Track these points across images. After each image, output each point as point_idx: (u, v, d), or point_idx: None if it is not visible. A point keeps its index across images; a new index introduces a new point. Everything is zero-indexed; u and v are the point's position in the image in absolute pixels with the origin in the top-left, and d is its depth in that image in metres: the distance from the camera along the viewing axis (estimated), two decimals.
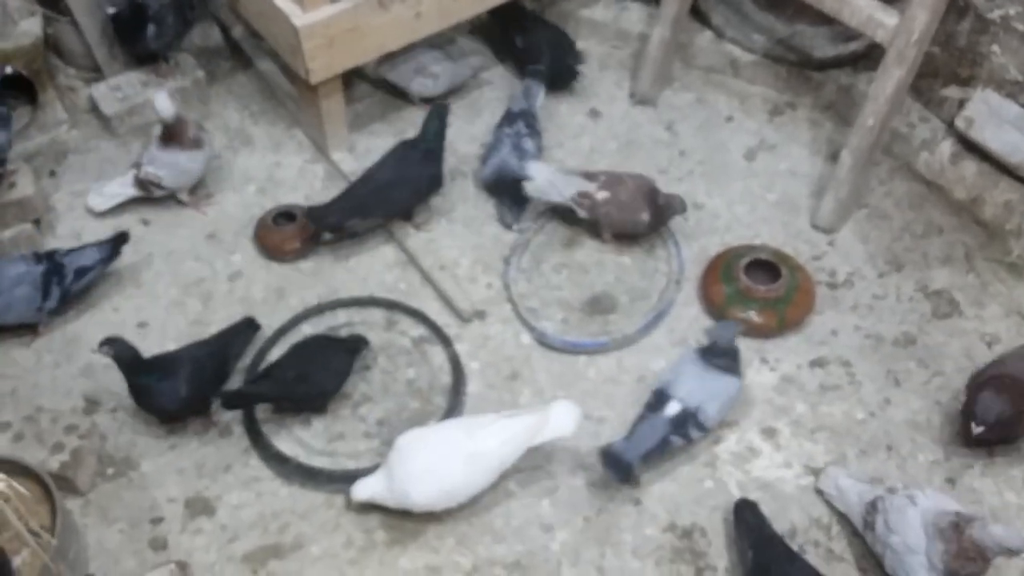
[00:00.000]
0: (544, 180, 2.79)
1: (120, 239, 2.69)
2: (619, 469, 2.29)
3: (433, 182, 2.84)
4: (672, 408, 2.33)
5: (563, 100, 3.24)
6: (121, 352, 2.33)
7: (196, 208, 2.94)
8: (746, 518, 2.23)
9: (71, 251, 2.65)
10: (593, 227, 2.86)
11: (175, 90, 3.08)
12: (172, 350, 2.48)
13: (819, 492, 2.34)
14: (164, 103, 2.73)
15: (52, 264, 2.58)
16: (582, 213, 2.79)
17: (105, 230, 2.88)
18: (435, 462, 2.22)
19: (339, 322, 2.68)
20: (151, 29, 2.98)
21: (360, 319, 2.69)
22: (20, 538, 2.10)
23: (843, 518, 2.31)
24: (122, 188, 2.89)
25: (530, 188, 2.79)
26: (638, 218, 2.74)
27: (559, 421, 2.28)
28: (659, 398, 2.36)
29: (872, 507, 2.18)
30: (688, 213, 2.83)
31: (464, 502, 2.28)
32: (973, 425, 2.28)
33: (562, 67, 3.18)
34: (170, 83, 3.13)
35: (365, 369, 2.58)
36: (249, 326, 2.60)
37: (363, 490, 2.25)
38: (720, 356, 2.38)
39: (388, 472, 2.25)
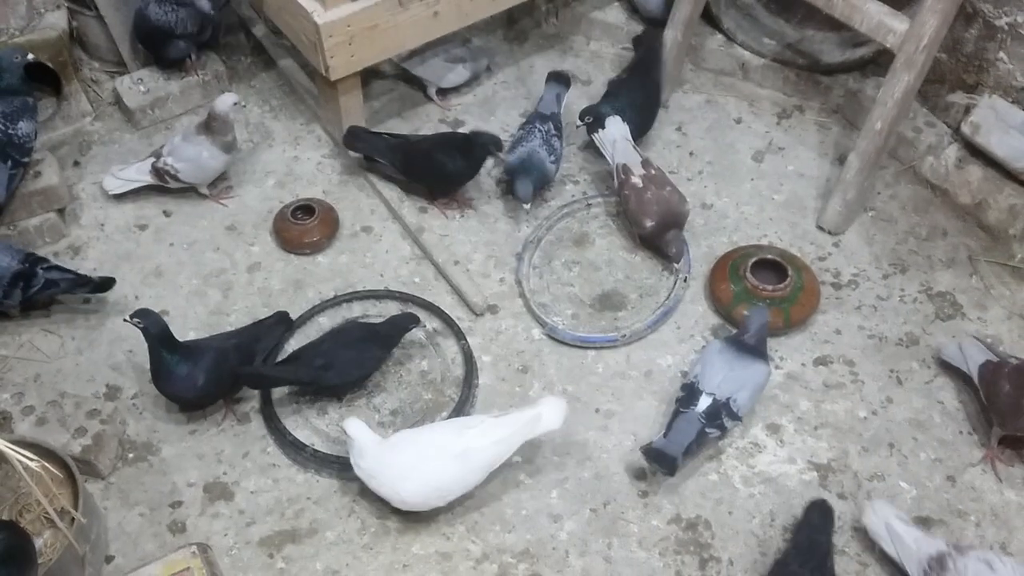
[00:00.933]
0: (612, 136, 2.91)
1: (106, 284, 2.69)
2: (664, 463, 2.35)
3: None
4: (703, 403, 2.38)
5: (575, 100, 3.29)
6: (150, 326, 2.38)
7: (216, 200, 3.00)
8: (812, 518, 2.25)
9: (56, 268, 2.65)
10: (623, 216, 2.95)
11: (198, 84, 3.14)
12: (202, 338, 2.54)
13: (865, 529, 2.27)
14: (226, 103, 2.81)
15: (29, 270, 2.59)
16: (615, 182, 2.88)
17: (127, 220, 2.95)
18: (425, 460, 2.26)
19: (354, 315, 2.74)
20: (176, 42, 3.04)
21: (376, 312, 2.75)
22: (45, 518, 2.16)
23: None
24: (139, 175, 2.95)
25: (598, 135, 2.96)
26: (642, 221, 2.80)
27: (550, 416, 2.34)
28: (690, 393, 2.41)
29: (939, 564, 2.12)
30: (697, 213, 2.89)
31: (453, 500, 2.32)
32: None
33: (648, 118, 3.16)
34: (193, 78, 3.18)
35: None
36: (282, 321, 2.64)
37: (357, 426, 2.29)
38: (750, 341, 2.45)
39: (380, 458, 2.28)
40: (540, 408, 2.34)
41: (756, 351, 2.45)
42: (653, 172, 2.85)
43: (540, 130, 2.97)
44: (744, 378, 2.41)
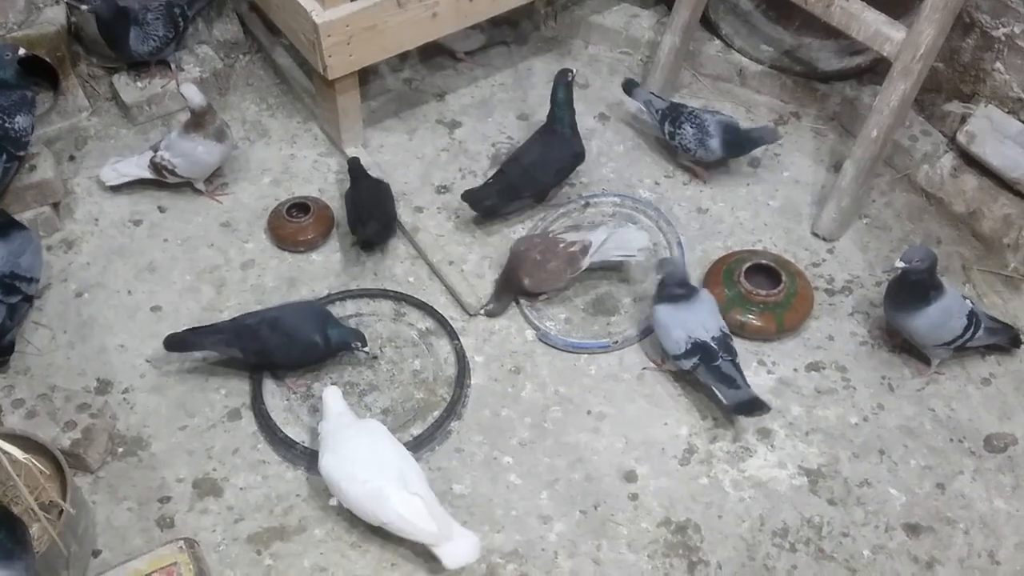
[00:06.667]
0: (620, 240, 2.79)
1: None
2: (758, 407, 2.45)
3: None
4: (718, 347, 2.49)
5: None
6: None
7: (211, 197, 3.00)
8: None
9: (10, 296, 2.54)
10: None
11: (195, 81, 3.15)
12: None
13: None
14: (193, 92, 2.80)
15: None
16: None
17: (122, 215, 2.95)
18: (358, 461, 2.22)
19: (348, 312, 2.74)
20: (133, 33, 3.01)
21: (369, 310, 2.75)
22: (33, 511, 2.15)
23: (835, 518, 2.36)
24: (137, 169, 2.95)
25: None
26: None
27: (455, 550, 2.19)
28: (705, 348, 2.48)
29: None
30: (692, 218, 2.92)
31: (342, 505, 2.27)
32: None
33: None
34: (184, 76, 3.18)
35: (373, 359, 2.64)
36: None
37: (333, 394, 2.38)
38: (680, 291, 2.56)
39: (339, 427, 2.30)
40: (456, 538, 2.19)
41: (691, 288, 2.58)
42: (561, 246, 2.72)
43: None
44: (710, 310, 2.57)
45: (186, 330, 2.56)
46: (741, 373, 2.50)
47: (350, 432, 2.30)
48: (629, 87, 3.15)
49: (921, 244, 2.48)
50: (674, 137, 3.04)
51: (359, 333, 2.55)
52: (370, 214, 2.81)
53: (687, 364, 2.50)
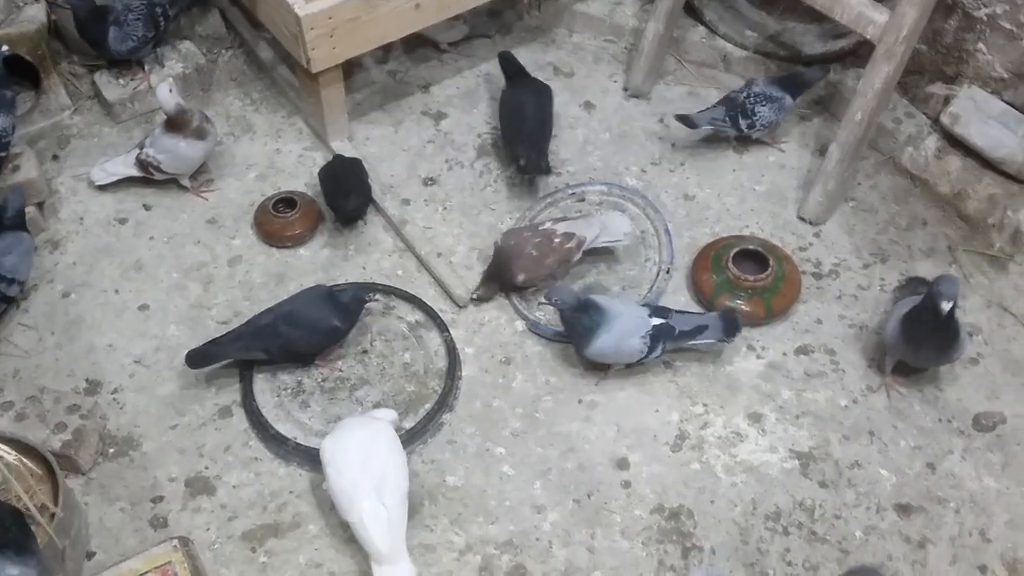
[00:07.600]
0: (610, 224, 2.82)
1: None
2: (732, 315, 2.58)
3: (552, 95, 3.11)
4: (660, 315, 2.55)
5: (558, 93, 3.28)
6: None
7: (197, 193, 2.98)
8: None
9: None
10: None
11: (177, 77, 3.13)
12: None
13: None
14: (165, 95, 2.77)
15: None
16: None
17: (107, 213, 2.94)
18: (350, 452, 2.23)
19: None
20: (113, 32, 2.99)
21: None
22: (27, 513, 2.15)
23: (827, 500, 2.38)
24: (125, 167, 2.93)
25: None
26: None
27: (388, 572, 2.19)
28: (659, 331, 2.50)
29: None
30: (679, 205, 2.92)
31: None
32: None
33: None
34: (165, 72, 3.15)
35: (363, 353, 2.63)
36: None
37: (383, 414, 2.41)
38: (583, 310, 2.48)
39: (347, 419, 2.37)
40: (398, 565, 2.17)
41: (585, 300, 2.49)
42: (557, 241, 2.71)
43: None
44: (624, 300, 2.67)
45: (206, 344, 2.53)
46: (689, 312, 2.64)
47: (355, 422, 2.32)
48: (687, 121, 3.08)
49: (949, 276, 2.39)
50: (754, 125, 3.05)
51: (366, 287, 2.61)
52: (350, 186, 2.86)
53: (658, 352, 2.52)
